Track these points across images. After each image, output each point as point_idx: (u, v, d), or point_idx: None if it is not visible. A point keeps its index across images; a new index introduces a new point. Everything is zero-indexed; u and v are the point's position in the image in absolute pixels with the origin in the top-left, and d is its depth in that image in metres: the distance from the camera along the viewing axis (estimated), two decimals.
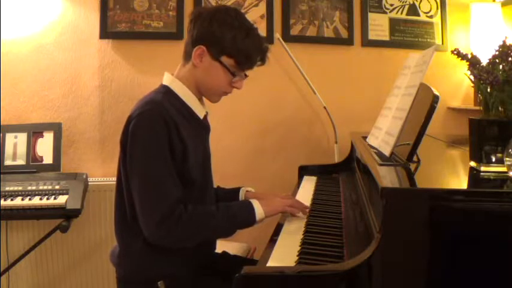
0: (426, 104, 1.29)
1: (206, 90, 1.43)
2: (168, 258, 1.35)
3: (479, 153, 1.21)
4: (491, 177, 1.17)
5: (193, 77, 1.40)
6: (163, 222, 1.26)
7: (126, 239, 1.39)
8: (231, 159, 2.57)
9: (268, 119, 2.60)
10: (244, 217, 1.37)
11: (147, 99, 1.36)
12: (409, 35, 2.68)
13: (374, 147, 1.60)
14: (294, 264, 1.10)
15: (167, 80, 1.43)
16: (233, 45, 1.35)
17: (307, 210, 1.51)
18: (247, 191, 1.64)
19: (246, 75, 1.43)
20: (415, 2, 2.69)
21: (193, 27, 1.39)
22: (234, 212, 1.36)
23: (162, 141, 1.28)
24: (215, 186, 1.64)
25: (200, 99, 1.46)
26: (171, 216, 1.26)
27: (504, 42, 1.22)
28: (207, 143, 1.53)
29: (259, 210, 1.37)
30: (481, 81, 1.21)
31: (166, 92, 1.39)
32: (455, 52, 1.27)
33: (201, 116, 1.45)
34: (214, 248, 1.57)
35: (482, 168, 1.20)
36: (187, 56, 1.41)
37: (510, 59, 1.20)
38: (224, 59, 1.37)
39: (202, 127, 1.48)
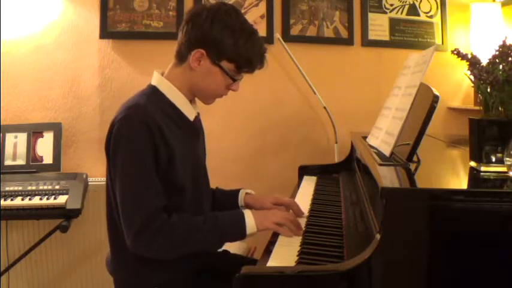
0: (426, 104, 1.29)
1: (201, 94, 1.39)
2: (164, 263, 1.30)
3: (479, 153, 1.21)
4: (491, 177, 1.17)
5: (188, 79, 1.35)
6: (141, 232, 1.21)
7: (118, 247, 1.33)
8: (231, 159, 2.57)
9: (268, 119, 2.60)
10: (233, 230, 1.29)
11: (130, 102, 1.30)
12: (409, 35, 2.68)
13: (374, 147, 1.60)
14: (294, 264, 1.10)
15: (155, 79, 1.37)
16: (235, 50, 1.30)
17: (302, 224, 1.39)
18: (246, 193, 1.58)
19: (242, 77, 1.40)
20: (415, 2, 2.68)
21: (190, 28, 1.32)
22: (222, 224, 1.28)
23: (144, 147, 1.23)
24: (214, 187, 1.60)
25: (192, 100, 1.41)
26: (150, 226, 1.21)
27: (504, 42, 1.21)
28: (198, 146, 1.45)
29: (250, 223, 1.29)
30: (481, 81, 1.21)
31: (152, 92, 1.34)
32: (455, 52, 1.26)
33: (191, 118, 1.39)
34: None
35: (482, 168, 1.19)
36: (181, 57, 1.35)
37: (510, 59, 1.20)
38: (224, 63, 1.32)
39: (192, 129, 1.41)
